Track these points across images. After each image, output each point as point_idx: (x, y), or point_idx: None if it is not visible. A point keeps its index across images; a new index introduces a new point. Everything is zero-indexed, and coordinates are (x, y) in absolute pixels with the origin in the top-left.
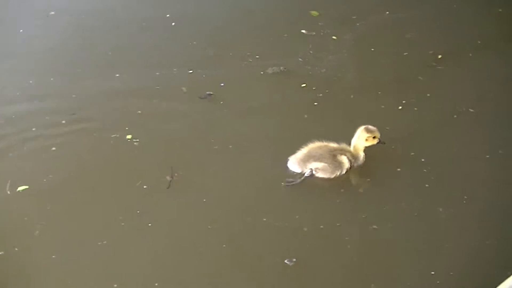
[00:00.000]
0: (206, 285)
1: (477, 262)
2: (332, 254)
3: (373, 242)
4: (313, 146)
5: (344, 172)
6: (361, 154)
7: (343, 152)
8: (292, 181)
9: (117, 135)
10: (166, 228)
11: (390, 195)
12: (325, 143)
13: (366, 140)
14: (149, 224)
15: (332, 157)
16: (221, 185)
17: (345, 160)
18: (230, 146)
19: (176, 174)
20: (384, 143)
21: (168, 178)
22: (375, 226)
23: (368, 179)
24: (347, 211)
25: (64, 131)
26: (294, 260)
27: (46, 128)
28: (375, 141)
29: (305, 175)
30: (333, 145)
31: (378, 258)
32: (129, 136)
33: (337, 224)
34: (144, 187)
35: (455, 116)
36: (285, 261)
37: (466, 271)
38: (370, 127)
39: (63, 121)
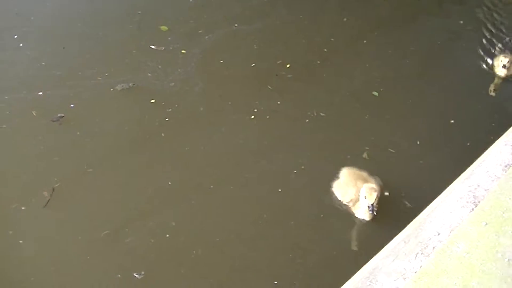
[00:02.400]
0: None
1: None
2: None
3: None
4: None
5: None
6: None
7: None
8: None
9: None
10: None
11: None
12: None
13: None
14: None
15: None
16: (86, 205)
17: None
18: (90, 170)
19: (46, 194)
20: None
21: (45, 194)
22: None
23: None
24: None
25: None
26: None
27: None
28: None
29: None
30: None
31: None
32: None
33: None
34: (23, 208)
35: (307, 120)
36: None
37: None
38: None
39: None
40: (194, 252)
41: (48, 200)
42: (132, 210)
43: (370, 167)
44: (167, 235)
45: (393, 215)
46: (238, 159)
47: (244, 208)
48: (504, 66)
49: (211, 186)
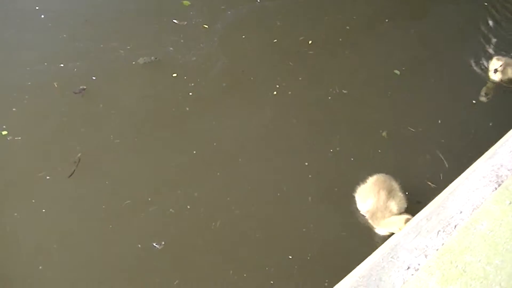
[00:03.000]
0: (95, 266)
1: None
2: None
3: None
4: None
5: None
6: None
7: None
8: None
9: None
10: (61, 214)
11: None
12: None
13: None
14: (43, 210)
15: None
16: (111, 175)
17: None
18: (117, 141)
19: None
20: None
21: (72, 164)
22: None
23: None
24: None
25: None
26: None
27: None
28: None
29: None
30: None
31: None
32: (4, 133)
33: None
34: (48, 177)
35: (329, 97)
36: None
37: None
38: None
39: None
40: (213, 224)
41: (74, 170)
42: (156, 181)
43: (390, 146)
44: (188, 206)
45: (417, 194)
46: (261, 134)
47: (267, 183)
48: (496, 71)
49: (237, 160)
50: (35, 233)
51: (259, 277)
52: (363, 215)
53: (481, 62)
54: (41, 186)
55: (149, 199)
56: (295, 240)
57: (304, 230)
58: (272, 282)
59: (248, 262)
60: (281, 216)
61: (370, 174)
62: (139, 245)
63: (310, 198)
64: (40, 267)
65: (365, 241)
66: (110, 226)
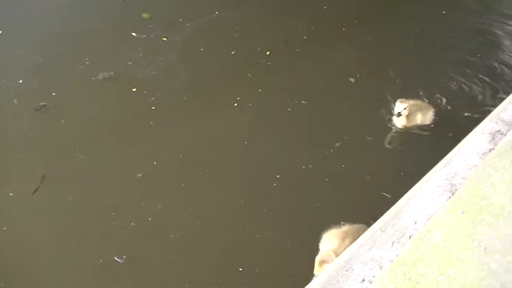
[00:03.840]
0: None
1: None
2: None
3: None
4: None
5: None
6: None
7: None
8: None
9: None
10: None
11: None
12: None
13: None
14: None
15: None
16: (75, 191)
17: None
18: (80, 156)
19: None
20: None
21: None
22: None
23: None
24: None
25: None
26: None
27: None
28: None
29: None
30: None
31: None
32: None
33: None
34: (11, 194)
35: (289, 109)
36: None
37: None
38: None
39: None
40: (172, 235)
41: (38, 187)
42: (119, 194)
43: (346, 155)
44: (150, 219)
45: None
46: (224, 145)
47: (229, 191)
48: (399, 114)
49: (200, 170)
50: None
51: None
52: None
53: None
54: (3, 203)
55: (113, 213)
56: (247, 252)
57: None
58: None
59: (203, 273)
60: (240, 228)
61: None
62: (101, 260)
63: (265, 210)
64: (2, 285)
65: None
66: (74, 242)
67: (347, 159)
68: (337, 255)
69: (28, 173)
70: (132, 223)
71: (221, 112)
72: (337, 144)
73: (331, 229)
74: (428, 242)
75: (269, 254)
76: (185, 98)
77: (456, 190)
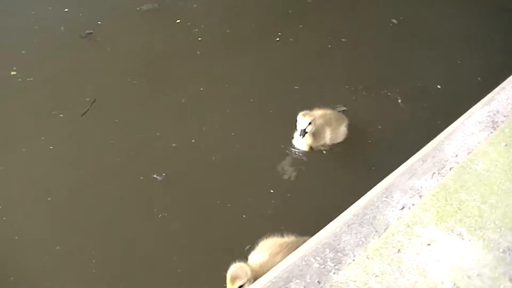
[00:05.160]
0: (102, 197)
1: None
2: None
3: None
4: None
5: None
6: None
7: None
8: None
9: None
10: (65, 150)
11: None
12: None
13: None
14: (50, 147)
15: None
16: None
17: None
18: (129, 81)
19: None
20: None
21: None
22: None
23: None
24: None
25: None
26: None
27: None
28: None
29: None
30: None
31: None
32: (13, 73)
33: None
34: (61, 115)
35: (329, 46)
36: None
37: None
38: None
39: None
40: (213, 157)
41: (87, 109)
42: (165, 117)
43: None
44: (193, 140)
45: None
46: (267, 79)
47: (271, 121)
48: (304, 133)
49: (244, 99)
50: (40, 169)
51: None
52: None
53: None
54: (52, 124)
55: (157, 133)
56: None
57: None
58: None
59: (237, 192)
60: (277, 153)
61: None
62: (141, 177)
63: None
64: (49, 198)
65: None
66: (118, 159)
67: None
68: (260, 271)
69: (77, 97)
70: (173, 144)
71: (263, 46)
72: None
73: (270, 238)
74: (470, 171)
75: None
76: (227, 31)
77: (497, 126)
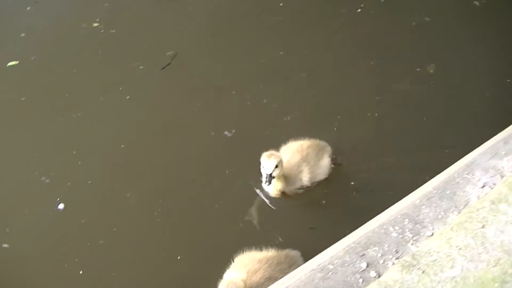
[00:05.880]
0: (177, 148)
1: None
2: None
3: None
4: None
5: None
6: None
7: None
8: None
9: (84, 25)
10: (143, 100)
11: None
12: None
13: None
14: (127, 97)
15: None
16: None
17: None
18: (210, 39)
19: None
20: None
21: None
22: None
23: None
24: None
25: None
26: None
27: None
28: None
29: None
30: None
31: None
32: (95, 24)
33: None
34: (141, 67)
35: (413, 23)
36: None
37: None
38: None
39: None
40: (285, 118)
41: (169, 63)
42: (242, 76)
43: None
44: (264, 100)
45: None
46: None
47: None
48: (270, 177)
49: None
50: (115, 117)
51: None
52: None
53: None
54: (132, 75)
55: (233, 92)
56: None
57: None
58: None
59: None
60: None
61: None
62: (212, 133)
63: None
64: (122, 146)
65: None
66: (191, 114)
67: None
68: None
69: (158, 50)
70: (248, 103)
71: (345, 15)
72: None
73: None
74: None
75: None
76: None
77: None
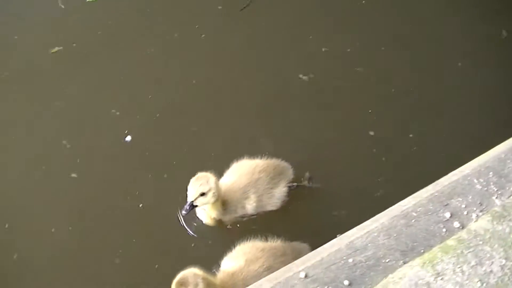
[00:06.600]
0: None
1: None
2: None
3: None
4: None
5: None
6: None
7: None
8: None
9: None
10: (218, 40)
11: None
12: None
13: None
14: (202, 36)
15: None
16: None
17: None
18: None
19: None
20: None
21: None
22: None
23: None
24: None
25: None
26: None
27: None
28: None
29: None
30: None
31: None
32: None
33: None
34: (219, 7)
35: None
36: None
37: None
38: None
39: None
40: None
41: (248, 4)
42: (320, 20)
43: None
44: (348, 50)
45: None
46: None
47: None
48: (191, 207)
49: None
50: (188, 55)
51: None
52: None
53: None
54: (209, 14)
55: (310, 37)
56: None
57: None
58: None
59: None
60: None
61: None
62: (287, 76)
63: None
64: (194, 81)
65: None
66: (266, 57)
67: None
68: (230, 281)
69: None
70: (324, 49)
71: None
72: None
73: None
74: None
75: None
76: None
77: None
